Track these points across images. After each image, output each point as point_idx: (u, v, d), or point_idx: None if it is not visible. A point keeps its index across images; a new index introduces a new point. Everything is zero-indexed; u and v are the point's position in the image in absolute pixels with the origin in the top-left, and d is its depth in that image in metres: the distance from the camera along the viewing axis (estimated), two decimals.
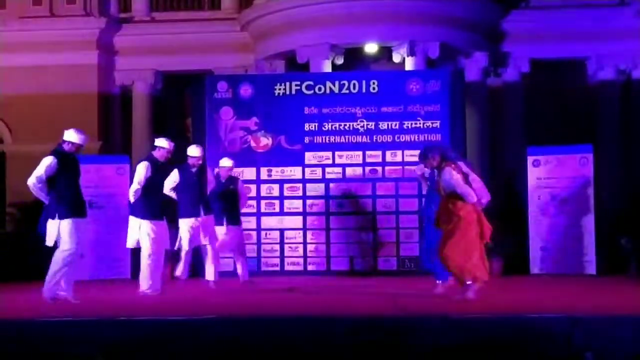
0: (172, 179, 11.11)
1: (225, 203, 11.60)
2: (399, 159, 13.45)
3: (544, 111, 18.12)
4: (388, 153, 13.44)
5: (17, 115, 18.29)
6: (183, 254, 11.10)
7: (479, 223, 8.85)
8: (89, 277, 13.49)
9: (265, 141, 13.74)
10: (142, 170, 10.28)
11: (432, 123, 13.59)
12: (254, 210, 13.39)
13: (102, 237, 13.78)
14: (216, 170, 11.79)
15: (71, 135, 9.64)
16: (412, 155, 13.39)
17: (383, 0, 17.05)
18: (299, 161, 13.63)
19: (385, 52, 18.01)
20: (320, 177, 13.62)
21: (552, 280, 12.37)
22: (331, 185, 13.62)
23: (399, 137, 13.58)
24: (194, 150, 11.27)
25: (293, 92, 13.87)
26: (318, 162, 13.65)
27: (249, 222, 13.16)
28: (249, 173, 13.48)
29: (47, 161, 9.18)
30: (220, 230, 11.49)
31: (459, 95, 13.85)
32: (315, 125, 13.76)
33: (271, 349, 6.15)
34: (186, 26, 18.79)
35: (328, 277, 13.00)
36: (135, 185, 10.25)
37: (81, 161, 14.38)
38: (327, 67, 17.16)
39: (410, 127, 13.62)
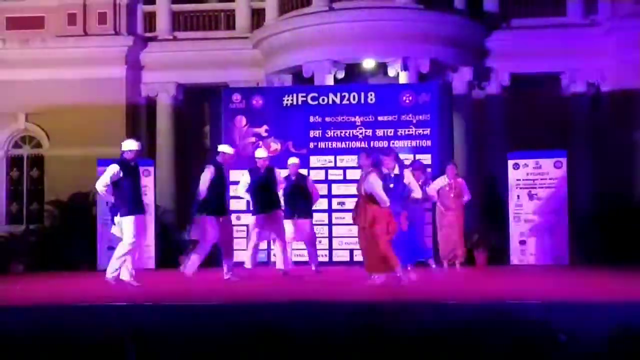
0: (245, 181, 11.13)
1: (295, 198, 11.45)
2: None
3: (522, 120, 18.08)
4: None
5: (54, 123, 18.28)
6: (251, 245, 11.22)
7: (388, 222, 8.98)
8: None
9: (275, 146, 13.75)
10: (207, 174, 10.39)
11: (423, 131, 13.59)
12: None
13: None
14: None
15: (128, 145, 9.86)
16: (405, 159, 13.40)
17: (379, 22, 17.02)
18: (304, 164, 13.59)
19: (381, 68, 18.00)
20: (324, 178, 13.61)
21: (530, 270, 12.35)
22: (333, 185, 13.61)
23: (393, 143, 13.58)
24: (261, 152, 11.28)
25: (299, 102, 13.88)
26: (322, 165, 13.66)
27: None
28: None
29: (112, 169, 9.59)
30: (290, 223, 11.37)
31: (447, 106, 13.88)
32: (319, 132, 13.76)
33: (280, 331, 6.14)
34: (205, 44, 18.78)
35: (330, 266, 12.98)
36: (201, 187, 10.34)
37: (111, 164, 14.50)
38: (330, 81, 17.14)
39: (403, 134, 13.63)
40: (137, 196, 9.77)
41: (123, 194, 9.59)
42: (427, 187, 11.43)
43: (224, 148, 10.69)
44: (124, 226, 9.61)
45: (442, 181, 12.02)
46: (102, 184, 9.58)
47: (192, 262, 10.47)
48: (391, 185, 9.50)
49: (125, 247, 9.62)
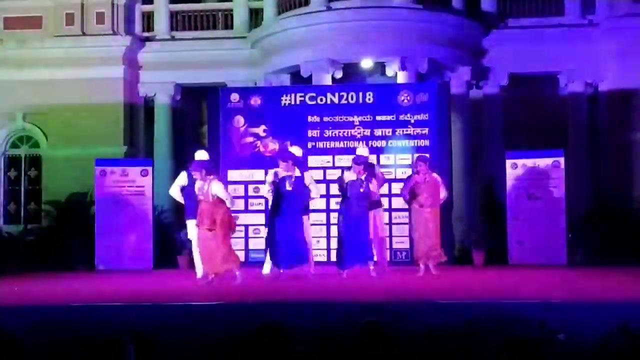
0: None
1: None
2: (391, 162, 13.44)
3: (520, 120, 18.10)
4: (382, 157, 13.43)
5: (52, 123, 18.26)
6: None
7: (230, 223, 9.92)
8: (115, 266, 13.56)
9: (273, 146, 13.72)
10: (270, 176, 10.83)
11: (421, 130, 13.59)
12: (262, 208, 13.37)
13: (128, 231, 13.83)
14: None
15: (198, 155, 10.66)
16: (403, 159, 13.45)
17: (377, 21, 17.02)
18: (302, 164, 13.58)
19: (379, 67, 18.01)
20: (322, 178, 13.58)
21: (528, 270, 12.36)
22: (331, 185, 13.60)
23: (391, 143, 13.59)
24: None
25: (297, 102, 13.88)
26: (320, 165, 13.63)
27: (258, 219, 13.18)
28: (258, 175, 13.46)
29: (180, 177, 10.71)
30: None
31: (445, 105, 13.86)
32: (317, 132, 13.76)
33: (280, 331, 6.13)
34: (202, 44, 18.78)
35: (329, 266, 12.94)
36: (267, 187, 10.94)
37: (109, 164, 14.55)
38: (328, 80, 17.14)
39: (401, 134, 13.62)
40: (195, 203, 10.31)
41: (189, 199, 10.42)
42: (370, 184, 10.94)
43: (294, 150, 11.15)
44: (189, 229, 10.64)
45: (414, 178, 11.29)
46: (172, 189, 10.77)
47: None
48: (289, 188, 10.39)
49: (195, 249, 10.37)
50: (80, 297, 8.43)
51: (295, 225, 10.45)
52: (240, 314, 6.76)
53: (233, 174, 13.49)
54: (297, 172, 10.52)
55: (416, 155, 12.81)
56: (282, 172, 10.56)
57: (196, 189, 10.08)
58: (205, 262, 9.93)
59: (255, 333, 4.87)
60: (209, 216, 9.74)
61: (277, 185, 10.53)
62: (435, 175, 11.31)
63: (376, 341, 4.92)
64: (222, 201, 9.80)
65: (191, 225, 10.43)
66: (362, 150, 11.69)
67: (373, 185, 11.04)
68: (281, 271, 10.46)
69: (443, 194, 11.29)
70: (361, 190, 10.79)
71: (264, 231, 13.27)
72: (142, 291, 9.25)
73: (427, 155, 12.22)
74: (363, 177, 10.80)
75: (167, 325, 6.38)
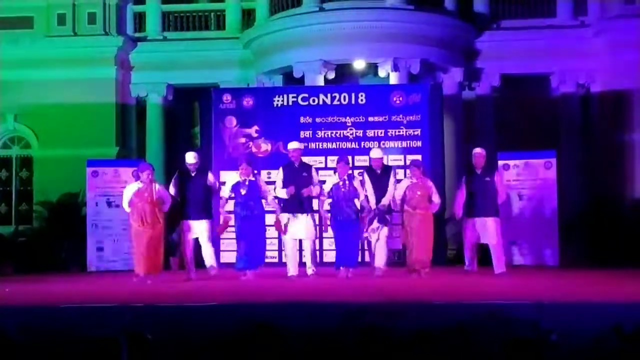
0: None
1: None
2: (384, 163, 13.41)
3: (512, 121, 18.15)
4: None
5: (44, 123, 18.24)
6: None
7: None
8: (106, 267, 13.53)
9: (265, 147, 13.72)
10: (280, 174, 11.16)
11: (413, 131, 13.60)
12: None
13: (119, 232, 13.79)
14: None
15: (186, 157, 11.06)
16: (396, 159, 13.44)
17: (369, 22, 17.05)
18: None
19: (372, 68, 18.04)
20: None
21: (521, 271, 12.38)
22: (324, 186, 13.58)
23: (384, 144, 13.57)
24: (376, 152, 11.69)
25: (290, 103, 13.87)
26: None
27: None
28: None
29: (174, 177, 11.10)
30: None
31: (438, 106, 13.88)
32: (309, 133, 13.75)
33: (276, 331, 6.13)
34: (194, 44, 18.77)
35: (321, 268, 12.92)
36: (279, 185, 11.09)
37: (100, 165, 14.51)
38: (320, 81, 17.15)
39: (394, 135, 13.62)
40: (184, 203, 10.86)
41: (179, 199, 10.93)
42: (354, 182, 11.14)
43: (292, 145, 11.31)
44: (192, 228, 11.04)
45: (406, 182, 11.29)
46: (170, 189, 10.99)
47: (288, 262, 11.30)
48: (243, 192, 10.80)
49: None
50: (72, 297, 8.40)
51: (252, 229, 10.86)
52: (234, 314, 6.74)
53: (225, 175, 13.45)
54: (251, 177, 10.95)
55: (410, 158, 12.85)
56: (235, 177, 11.01)
57: (131, 191, 10.50)
58: (147, 260, 10.39)
59: (249, 334, 4.89)
60: (152, 216, 10.43)
61: (233, 191, 10.96)
62: (429, 182, 11.34)
63: (368, 342, 4.93)
64: (158, 204, 10.53)
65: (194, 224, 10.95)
66: (376, 152, 11.64)
67: (357, 181, 11.14)
68: (245, 274, 10.77)
69: (437, 199, 11.24)
70: (343, 190, 10.87)
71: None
72: (134, 292, 9.22)
73: (420, 159, 12.30)
74: (346, 178, 10.93)
75: (160, 325, 6.36)
